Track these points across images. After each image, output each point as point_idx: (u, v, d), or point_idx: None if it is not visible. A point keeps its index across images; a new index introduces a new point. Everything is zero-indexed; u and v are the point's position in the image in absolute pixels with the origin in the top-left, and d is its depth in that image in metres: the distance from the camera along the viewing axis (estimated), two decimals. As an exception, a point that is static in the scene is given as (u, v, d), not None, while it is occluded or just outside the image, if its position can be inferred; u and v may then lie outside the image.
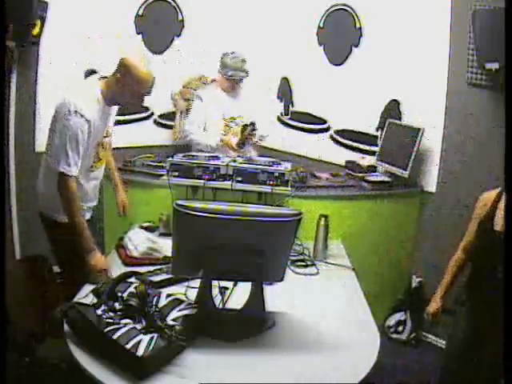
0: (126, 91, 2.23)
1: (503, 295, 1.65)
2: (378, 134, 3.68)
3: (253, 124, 3.10)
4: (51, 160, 2.19)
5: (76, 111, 2.14)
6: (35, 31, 3.24)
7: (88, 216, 2.42)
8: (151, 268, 2.19)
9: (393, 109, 3.55)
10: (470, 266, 2.22)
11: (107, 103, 2.30)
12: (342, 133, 3.99)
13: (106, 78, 2.31)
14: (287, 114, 4.41)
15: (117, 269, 2.17)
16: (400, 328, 3.29)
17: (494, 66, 2.66)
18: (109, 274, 2.12)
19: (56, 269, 2.38)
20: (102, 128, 2.33)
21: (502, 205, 2.02)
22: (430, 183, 3.30)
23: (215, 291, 1.80)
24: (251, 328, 1.79)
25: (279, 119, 4.46)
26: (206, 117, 3.34)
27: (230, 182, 2.68)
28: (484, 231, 2.08)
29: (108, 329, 1.55)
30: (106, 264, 2.17)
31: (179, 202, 1.66)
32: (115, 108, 2.43)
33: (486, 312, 2.05)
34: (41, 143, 3.54)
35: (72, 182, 2.17)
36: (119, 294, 1.71)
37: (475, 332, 2.11)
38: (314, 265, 2.49)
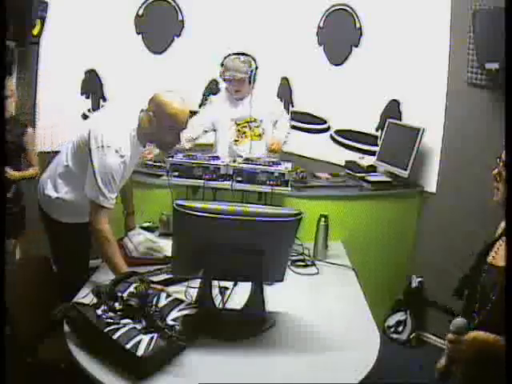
0: (161, 129, 2.13)
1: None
2: (378, 134, 3.68)
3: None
4: (88, 191, 2.09)
5: (116, 150, 2.06)
6: (35, 31, 3.25)
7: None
8: (151, 268, 2.20)
9: (393, 109, 3.55)
10: None
11: (141, 141, 2.21)
12: (342, 133, 3.99)
13: (141, 111, 2.18)
14: (287, 114, 4.41)
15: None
16: (400, 328, 3.28)
17: (494, 66, 2.65)
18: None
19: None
20: (133, 166, 2.28)
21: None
22: (430, 183, 3.29)
23: (215, 291, 1.81)
24: (251, 328, 1.79)
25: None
26: (211, 120, 3.35)
27: (229, 182, 2.68)
28: (478, 259, 1.77)
29: (108, 329, 1.55)
30: None
31: (179, 202, 1.66)
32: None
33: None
34: (41, 143, 3.56)
35: (106, 213, 2.09)
36: (119, 294, 1.71)
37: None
38: (314, 265, 2.49)
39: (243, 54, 3.27)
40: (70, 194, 2.28)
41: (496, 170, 1.68)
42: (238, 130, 3.32)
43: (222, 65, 3.24)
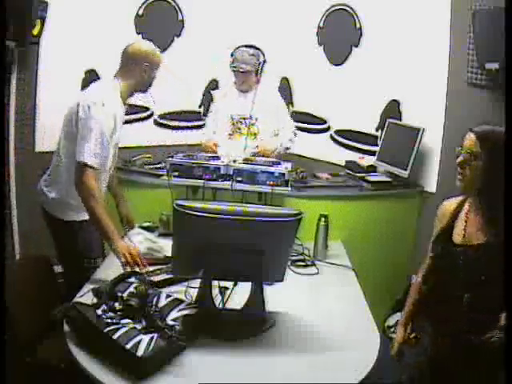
0: (150, 74, 2.38)
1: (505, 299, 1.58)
2: (378, 134, 3.68)
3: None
4: (76, 154, 2.17)
5: (103, 104, 2.18)
6: (35, 31, 3.24)
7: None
8: (151, 268, 2.19)
9: (393, 109, 3.55)
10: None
11: (123, 98, 2.38)
12: (342, 133, 3.99)
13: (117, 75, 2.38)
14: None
15: (117, 269, 2.16)
16: (400, 328, 3.28)
17: (494, 66, 2.65)
18: (139, 258, 2.08)
19: (56, 269, 2.38)
20: (119, 126, 2.35)
21: (462, 216, 1.79)
22: (430, 183, 3.29)
23: (215, 291, 1.81)
24: (251, 328, 1.79)
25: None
26: (217, 118, 3.34)
27: (229, 182, 2.68)
28: (442, 244, 1.81)
29: (108, 329, 1.55)
30: (132, 248, 2.13)
31: (179, 202, 1.66)
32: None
33: (450, 341, 1.73)
34: (41, 143, 3.56)
35: (93, 173, 2.15)
36: (119, 294, 1.71)
37: (438, 362, 1.79)
38: (314, 265, 2.49)
39: (252, 46, 3.28)
40: (64, 191, 2.32)
41: (461, 158, 1.71)
42: (233, 124, 3.32)
43: (232, 55, 3.25)
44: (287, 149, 3.29)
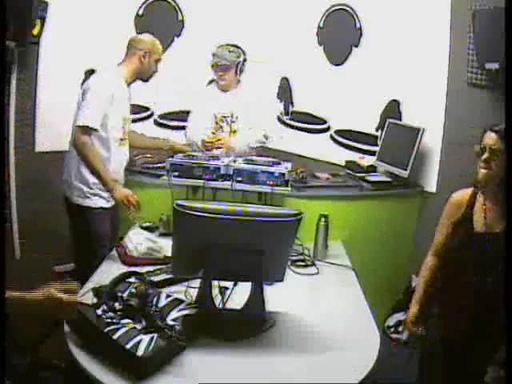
0: (149, 62, 2.71)
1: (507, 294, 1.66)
2: (378, 134, 3.68)
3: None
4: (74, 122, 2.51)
5: (97, 73, 2.63)
6: (35, 31, 3.25)
7: (109, 205, 2.67)
8: (151, 268, 2.19)
9: (393, 109, 3.55)
10: (441, 272, 2.12)
11: (128, 82, 2.72)
12: (342, 133, 3.99)
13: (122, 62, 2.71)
14: (287, 114, 4.41)
15: (117, 269, 2.17)
16: (400, 328, 3.28)
17: (494, 66, 2.65)
18: (137, 202, 2.47)
19: (56, 269, 2.39)
20: (124, 103, 2.67)
21: (479, 206, 1.98)
22: (430, 183, 3.29)
23: (215, 291, 1.81)
24: (251, 328, 1.79)
25: (279, 119, 4.46)
26: (200, 115, 3.34)
27: (229, 182, 2.68)
28: (463, 233, 1.99)
29: (108, 329, 1.55)
30: (129, 192, 2.49)
31: (179, 202, 1.66)
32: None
33: (458, 320, 1.97)
34: (41, 143, 3.57)
35: (86, 131, 2.44)
36: (119, 294, 1.71)
37: (446, 344, 2.01)
38: (313, 265, 2.49)
39: (234, 45, 3.30)
40: (73, 175, 2.62)
41: (487, 155, 1.87)
42: (216, 123, 3.32)
43: (214, 55, 3.27)
44: (253, 148, 3.25)
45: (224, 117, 3.30)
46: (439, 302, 2.11)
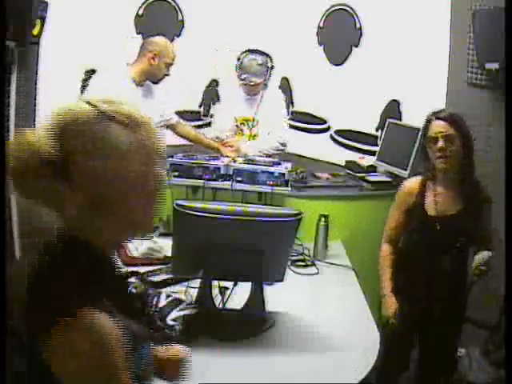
0: (158, 65, 2.75)
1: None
2: (378, 134, 3.67)
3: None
4: None
5: (97, 74, 2.82)
6: (35, 31, 3.24)
7: None
8: (151, 268, 2.19)
9: (393, 109, 3.55)
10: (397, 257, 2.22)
11: (137, 82, 2.78)
12: (342, 133, 3.99)
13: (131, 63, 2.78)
14: (287, 114, 4.40)
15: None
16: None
17: (494, 66, 2.65)
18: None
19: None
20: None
21: (429, 192, 2.04)
22: (430, 183, 3.29)
23: (215, 291, 1.81)
24: (251, 328, 1.79)
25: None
26: (223, 115, 3.37)
27: (229, 182, 2.68)
28: (416, 218, 2.07)
29: (108, 329, 1.55)
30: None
31: (179, 202, 1.67)
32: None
33: (415, 296, 2.07)
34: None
35: None
36: (119, 294, 1.71)
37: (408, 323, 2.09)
38: (313, 265, 2.49)
39: (260, 52, 3.27)
40: None
41: (441, 143, 1.91)
42: (236, 126, 3.31)
43: (239, 59, 3.24)
44: (269, 156, 3.17)
45: (247, 120, 3.29)
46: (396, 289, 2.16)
